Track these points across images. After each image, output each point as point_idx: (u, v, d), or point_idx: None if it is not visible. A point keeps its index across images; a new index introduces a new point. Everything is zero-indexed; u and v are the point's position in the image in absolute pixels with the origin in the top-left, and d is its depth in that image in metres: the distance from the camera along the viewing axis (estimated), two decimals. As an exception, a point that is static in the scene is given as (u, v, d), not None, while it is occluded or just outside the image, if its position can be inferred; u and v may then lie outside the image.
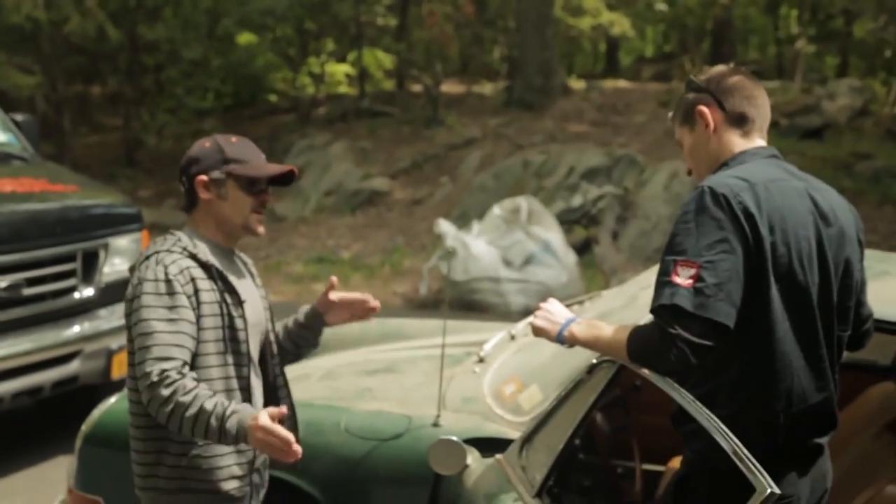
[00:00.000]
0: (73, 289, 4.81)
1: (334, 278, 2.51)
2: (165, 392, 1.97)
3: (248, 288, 2.31)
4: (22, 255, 4.51)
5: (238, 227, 2.25)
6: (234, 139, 2.25)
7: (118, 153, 15.96)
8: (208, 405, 1.97)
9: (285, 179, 2.27)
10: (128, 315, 2.14)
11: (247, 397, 2.20)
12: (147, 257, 2.15)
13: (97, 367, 4.78)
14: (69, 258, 4.79)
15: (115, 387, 4.84)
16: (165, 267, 2.09)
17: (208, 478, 2.15)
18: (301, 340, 2.51)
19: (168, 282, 2.07)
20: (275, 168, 2.25)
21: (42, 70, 13.63)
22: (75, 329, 4.75)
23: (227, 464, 2.18)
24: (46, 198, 4.95)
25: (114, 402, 3.09)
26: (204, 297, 2.12)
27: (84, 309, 4.85)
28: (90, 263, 4.89)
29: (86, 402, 4.10)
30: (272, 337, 2.42)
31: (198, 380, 2.05)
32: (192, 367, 2.09)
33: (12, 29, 13.29)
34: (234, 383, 2.18)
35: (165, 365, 2.00)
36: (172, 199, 13.46)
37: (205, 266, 2.15)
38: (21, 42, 13.90)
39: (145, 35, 14.64)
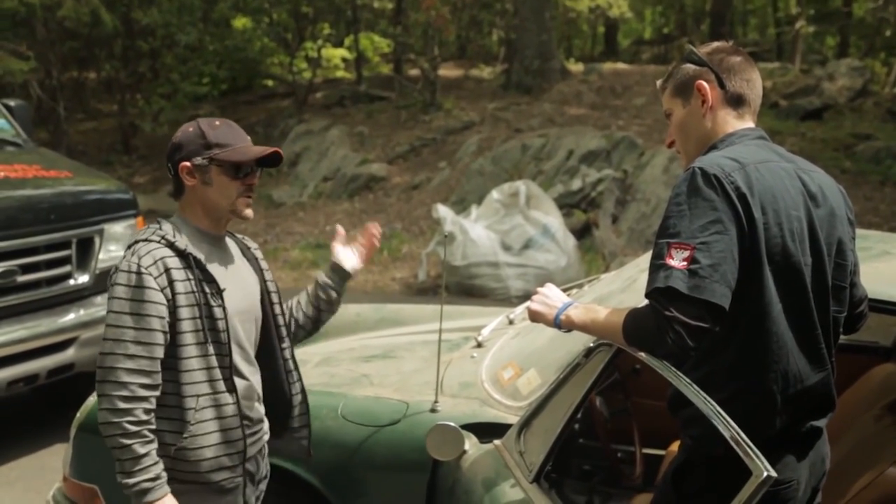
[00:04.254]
0: (68, 276, 4.78)
1: (340, 227, 2.60)
2: (131, 428, 2.03)
3: (238, 274, 2.27)
4: (16, 242, 4.48)
5: (225, 212, 2.23)
6: (217, 122, 2.22)
7: (114, 139, 15.93)
8: (150, 461, 2.05)
9: (272, 161, 2.24)
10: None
11: (230, 387, 2.18)
12: (129, 246, 2.16)
13: (93, 355, 4.67)
14: (64, 245, 4.75)
15: (111, 374, 4.83)
16: (139, 258, 2.09)
17: (195, 469, 2.14)
18: (322, 304, 2.51)
19: (139, 274, 2.07)
20: (258, 150, 2.21)
21: (36, 56, 13.55)
22: (71, 316, 4.72)
23: (215, 455, 2.16)
24: (40, 184, 4.91)
25: (109, 389, 3.07)
26: (178, 287, 2.10)
27: (79, 296, 4.82)
28: (85, 250, 4.86)
29: (82, 390, 4.09)
30: (279, 321, 2.39)
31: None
32: (170, 357, 2.10)
33: (6, 14, 13.22)
34: (217, 373, 2.16)
35: (135, 398, 2.03)
36: (169, 185, 13.37)
37: (182, 255, 2.13)
38: (15, 27, 13.83)
39: (140, 20, 14.57)
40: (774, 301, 1.84)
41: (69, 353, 4.67)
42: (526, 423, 2.33)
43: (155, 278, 2.07)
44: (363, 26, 17.11)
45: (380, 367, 3.11)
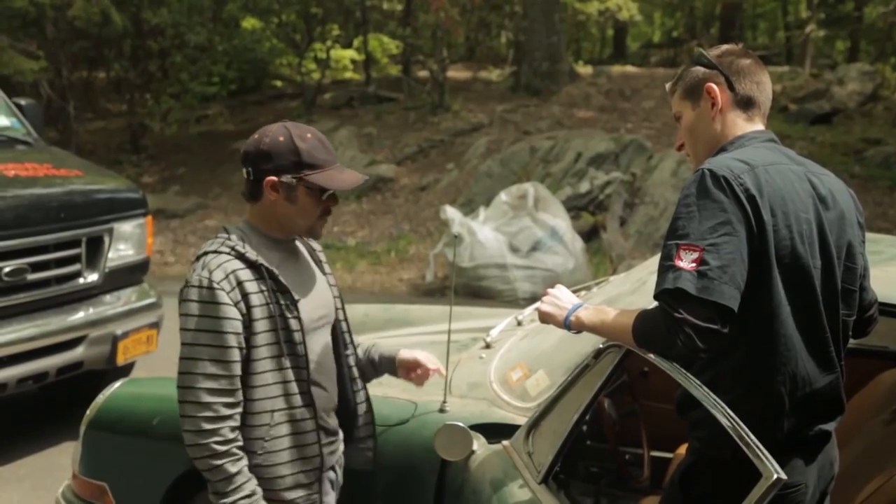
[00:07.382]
0: (77, 274, 4.79)
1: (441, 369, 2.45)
2: (219, 448, 1.98)
3: (311, 280, 2.22)
4: (26, 240, 4.49)
5: (301, 230, 2.16)
6: (308, 135, 2.09)
7: (123, 139, 15.96)
8: (243, 479, 2.00)
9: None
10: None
11: (308, 401, 2.11)
12: (198, 258, 2.06)
13: (102, 353, 4.76)
14: (73, 243, 4.76)
15: (120, 372, 4.84)
16: (210, 272, 1.99)
17: (271, 487, 2.08)
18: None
19: (210, 289, 1.97)
20: (351, 179, 2.13)
21: (46, 55, 13.60)
22: (80, 315, 4.73)
23: (292, 472, 2.11)
24: (50, 182, 4.91)
25: (118, 387, 3.08)
26: (253, 300, 2.01)
27: (89, 294, 4.83)
28: (95, 249, 4.86)
29: (91, 388, 4.10)
30: (344, 326, 2.33)
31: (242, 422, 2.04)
32: (244, 371, 2.03)
33: (16, 13, 13.27)
34: (294, 387, 2.09)
35: (219, 418, 1.98)
36: (177, 184, 13.46)
37: (254, 266, 2.04)
38: (25, 27, 13.88)
39: (150, 20, 14.60)
40: (783, 303, 1.84)
41: (78, 352, 4.68)
42: (534, 424, 2.33)
43: (228, 293, 1.98)
44: (372, 27, 17.14)
45: (388, 367, 3.10)
